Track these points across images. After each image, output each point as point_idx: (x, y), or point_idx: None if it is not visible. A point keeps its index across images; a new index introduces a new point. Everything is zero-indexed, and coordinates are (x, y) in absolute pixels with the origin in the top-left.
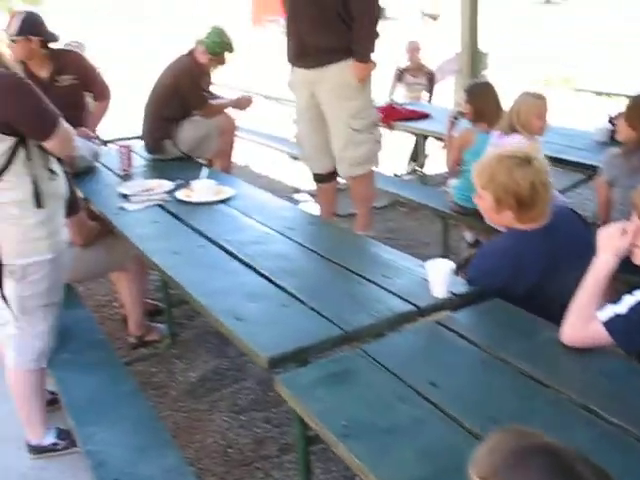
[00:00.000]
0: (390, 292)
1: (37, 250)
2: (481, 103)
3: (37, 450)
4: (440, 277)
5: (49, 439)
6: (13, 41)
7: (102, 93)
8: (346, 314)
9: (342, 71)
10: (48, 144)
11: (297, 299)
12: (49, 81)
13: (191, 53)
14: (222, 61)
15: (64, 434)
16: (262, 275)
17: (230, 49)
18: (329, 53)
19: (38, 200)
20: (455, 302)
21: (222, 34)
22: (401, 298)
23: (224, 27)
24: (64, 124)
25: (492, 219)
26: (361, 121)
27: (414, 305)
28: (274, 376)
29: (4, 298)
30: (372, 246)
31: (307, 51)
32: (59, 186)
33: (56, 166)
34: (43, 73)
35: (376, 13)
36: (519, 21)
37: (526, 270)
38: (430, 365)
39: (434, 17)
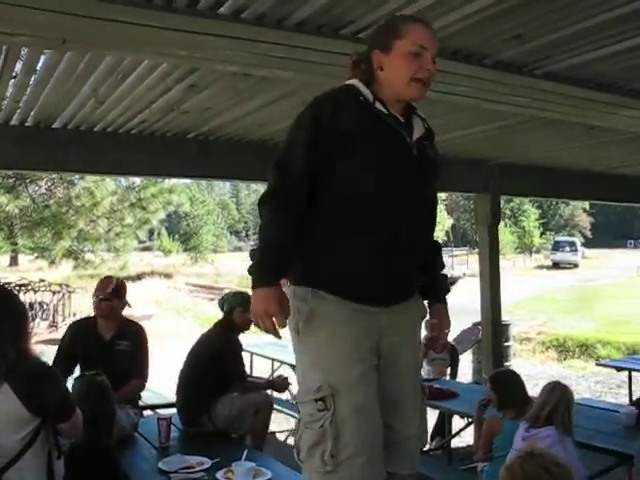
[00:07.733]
0: None
1: None
2: (506, 393)
3: None
4: None
5: None
6: (101, 300)
7: (141, 372)
8: None
9: None
10: (65, 425)
11: None
12: (109, 343)
13: (222, 323)
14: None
15: None
16: None
17: None
18: None
19: (51, 477)
20: None
21: (239, 292)
22: None
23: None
24: (79, 410)
25: None
26: None
27: None
28: None
29: None
30: None
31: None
32: (61, 464)
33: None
34: (107, 335)
35: None
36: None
37: None
38: None
39: (451, 281)
